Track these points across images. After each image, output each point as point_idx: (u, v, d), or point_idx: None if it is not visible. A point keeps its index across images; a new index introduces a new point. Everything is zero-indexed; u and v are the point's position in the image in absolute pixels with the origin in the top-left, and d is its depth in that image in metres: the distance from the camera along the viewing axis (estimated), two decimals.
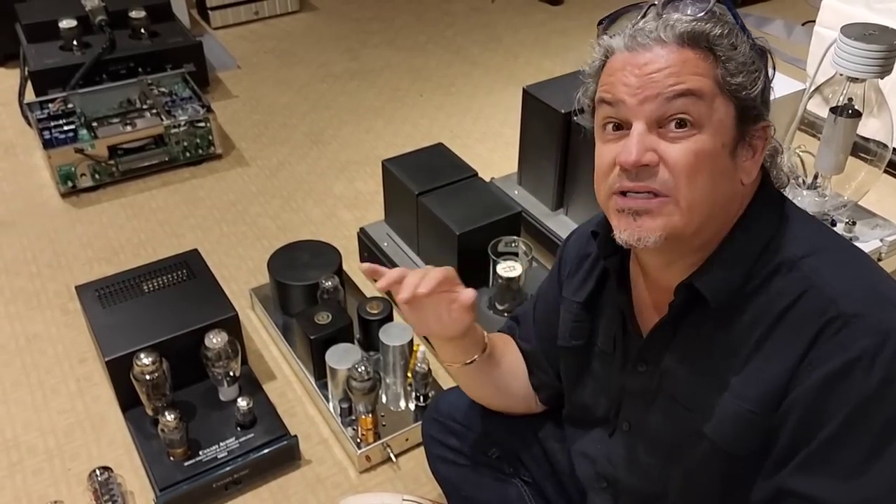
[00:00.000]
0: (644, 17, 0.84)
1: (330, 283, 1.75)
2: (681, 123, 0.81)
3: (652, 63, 0.81)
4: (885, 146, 1.86)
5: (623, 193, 0.84)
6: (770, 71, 0.86)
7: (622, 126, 0.84)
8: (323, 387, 1.66)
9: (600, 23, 0.87)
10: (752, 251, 0.86)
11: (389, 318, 1.71)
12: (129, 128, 2.39)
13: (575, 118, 1.89)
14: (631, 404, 1.00)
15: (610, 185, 0.85)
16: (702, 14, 0.81)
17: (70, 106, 2.44)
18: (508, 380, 1.17)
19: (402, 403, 1.64)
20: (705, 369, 0.89)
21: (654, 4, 0.83)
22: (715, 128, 0.81)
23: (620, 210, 0.85)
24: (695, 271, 0.88)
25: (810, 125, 1.89)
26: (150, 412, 1.56)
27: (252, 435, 1.55)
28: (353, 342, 1.67)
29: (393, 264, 1.91)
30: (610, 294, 1.01)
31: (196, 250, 1.84)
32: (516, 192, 2.16)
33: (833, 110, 1.80)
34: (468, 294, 0.99)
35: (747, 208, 0.88)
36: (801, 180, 1.89)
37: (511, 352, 1.18)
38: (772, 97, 0.87)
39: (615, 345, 1.01)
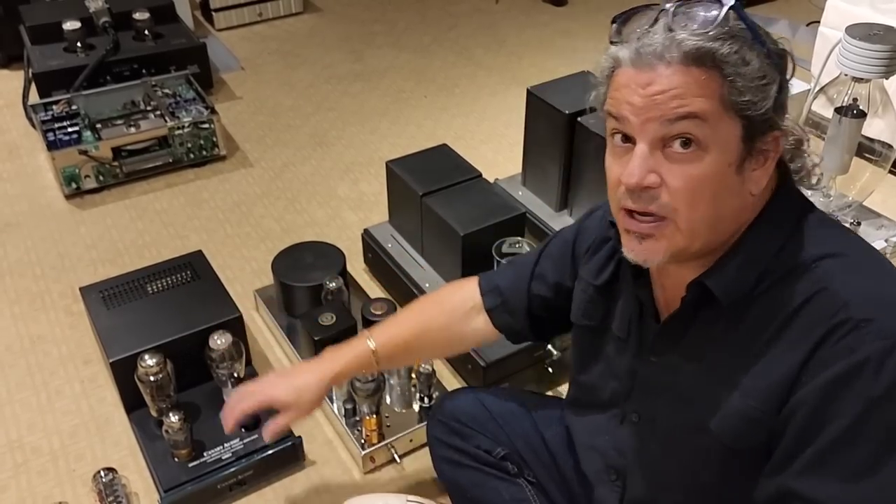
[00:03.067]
0: (654, 24, 0.81)
1: (334, 284, 1.75)
2: (685, 143, 0.80)
3: (655, 83, 0.80)
4: (890, 146, 1.85)
5: (630, 213, 0.86)
6: (788, 75, 0.84)
7: (629, 139, 0.84)
8: None
9: (614, 21, 0.86)
10: (766, 251, 0.86)
11: None
12: (132, 129, 2.39)
13: (580, 119, 1.89)
14: (640, 394, 1.00)
15: (618, 200, 0.87)
16: (712, 28, 0.79)
17: (74, 107, 2.45)
18: (438, 349, 1.31)
19: (407, 404, 1.64)
20: (713, 366, 0.90)
21: (665, 9, 0.81)
22: (720, 147, 0.81)
23: (627, 231, 0.87)
24: (707, 270, 0.88)
25: (815, 125, 1.89)
26: (154, 413, 1.56)
27: (256, 436, 1.55)
28: None
29: (397, 265, 1.91)
30: (627, 282, 1.02)
31: (200, 251, 1.84)
32: (520, 192, 2.16)
33: (838, 110, 1.79)
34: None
35: (764, 208, 0.88)
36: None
37: (436, 319, 1.26)
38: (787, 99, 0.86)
39: (629, 330, 1.01)
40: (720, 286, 0.87)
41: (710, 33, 0.79)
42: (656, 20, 0.82)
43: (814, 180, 0.93)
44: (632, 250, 0.88)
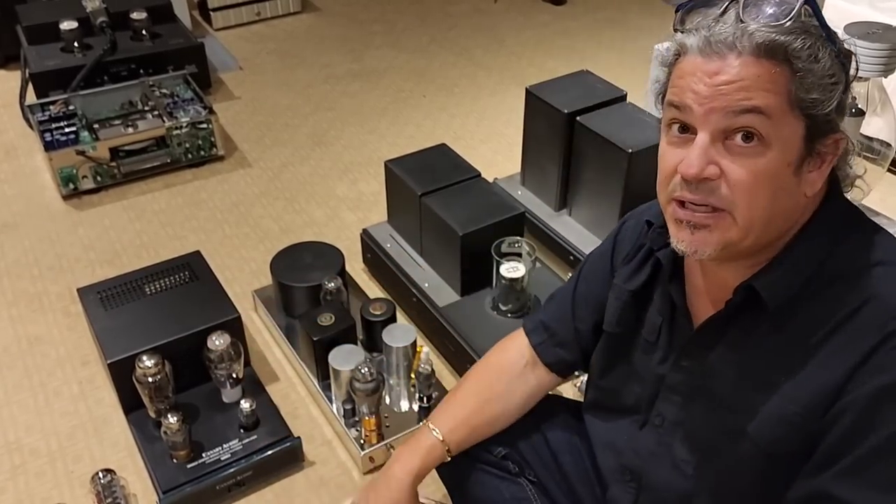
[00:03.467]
0: (724, 14, 0.79)
1: (333, 284, 1.75)
2: (747, 137, 0.79)
3: (723, 73, 0.78)
4: (889, 145, 1.85)
5: (682, 203, 0.84)
6: (852, 75, 0.82)
7: (687, 129, 0.82)
8: (326, 388, 1.66)
9: (678, 9, 0.84)
10: (815, 256, 0.85)
11: (393, 320, 1.71)
12: (130, 129, 2.39)
13: (579, 118, 1.89)
14: (668, 398, 0.99)
15: (670, 191, 0.85)
16: (787, 20, 0.77)
17: (71, 108, 2.44)
18: (504, 417, 1.19)
19: (406, 404, 1.64)
20: (754, 371, 0.88)
21: (735, 1, 0.79)
22: (781, 145, 0.79)
23: (679, 220, 0.85)
24: (756, 273, 0.87)
25: None
26: (152, 414, 1.56)
27: (255, 437, 1.55)
28: (356, 343, 1.67)
29: (396, 265, 1.91)
30: (662, 285, 1.00)
31: (198, 252, 1.84)
32: (519, 192, 2.16)
33: None
34: None
35: (815, 214, 0.86)
36: None
37: (493, 387, 1.19)
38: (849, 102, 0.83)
39: (659, 335, 1.00)
40: (768, 289, 0.85)
41: (786, 25, 0.76)
42: (726, 10, 0.79)
43: (858, 195, 0.91)
44: (682, 241, 0.85)
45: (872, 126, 1.84)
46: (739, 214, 0.81)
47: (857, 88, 1.78)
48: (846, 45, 0.81)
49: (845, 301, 0.82)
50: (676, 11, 0.84)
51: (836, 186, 0.88)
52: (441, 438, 1.16)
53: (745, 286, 0.87)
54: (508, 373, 1.19)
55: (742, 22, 0.77)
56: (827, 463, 0.82)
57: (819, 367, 0.83)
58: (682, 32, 0.82)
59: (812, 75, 0.77)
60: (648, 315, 1.02)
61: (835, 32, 0.80)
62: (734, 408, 0.90)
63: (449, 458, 1.18)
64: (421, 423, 1.21)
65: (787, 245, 0.86)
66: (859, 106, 1.78)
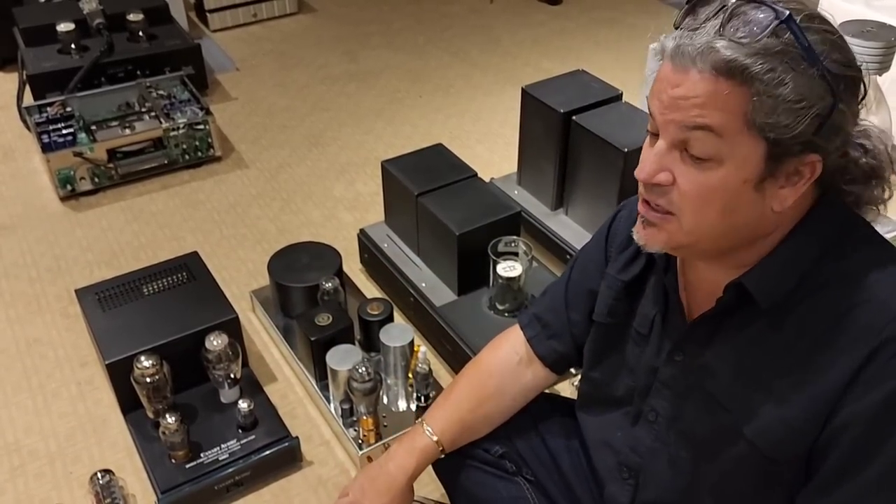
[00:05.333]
0: (707, 21, 0.78)
1: (330, 284, 1.75)
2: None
3: (682, 86, 0.78)
4: None
5: (646, 201, 0.87)
6: (852, 96, 0.80)
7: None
8: (324, 388, 1.66)
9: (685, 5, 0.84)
10: (808, 256, 0.85)
11: (390, 319, 1.71)
12: (127, 131, 2.39)
13: (575, 118, 1.89)
14: (661, 392, 0.99)
15: (640, 188, 0.88)
16: (755, 39, 0.74)
17: (69, 109, 2.44)
18: (498, 416, 1.20)
19: (404, 404, 1.64)
20: (749, 371, 0.89)
21: (726, 6, 0.77)
22: (737, 162, 0.79)
23: (639, 213, 0.89)
24: (747, 272, 0.87)
25: None
26: (151, 415, 1.56)
27: (253, 437, 1.55)
28: (353, 343, 1.67)
29: (393, 265, 1.91)
30: (656, 277, 1.01)
31: (196, 253, 1.84)
32: (516, 192, 2.16)
33: None
34: None
35: (808, 213, 0.86)
36: None
37: (487, 386, 1.20)
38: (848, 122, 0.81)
39: (651, 328, 1.01)
40: (759, 288, 0.86)
41: (754, 45, 0.74)
42: (713, 17, 0.78)
43: (877, 218, 0.89)
44: (636, 232, 0.90)
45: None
46: (685, 221, 0.84)
47: None
48: (842, 67, 0.78)
49: (841, 303, 0.82)
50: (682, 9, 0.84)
51: (827, 192, 0.87)
52: (435, 439, 1.17)
53: (734, 284, 0.88)
54: (501, 371, 1.20)
55: (720, 34, 0.76)
56: (829, 485, 0.83)
57: (817, 372, 0.83)
58: (663, 37, 0.83)
59: (773, 99, 0.75)
60: (640, 307, 1.03)
61: (836, 50, 0.77)
62: (730, 408, 0.90)
63: (443, 456, 1.19)
64: (416, 423, 1.22)
65: (779, 243, 0.86)
66: None
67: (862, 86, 0.82)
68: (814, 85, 0.75)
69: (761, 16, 0.75)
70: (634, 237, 0.90)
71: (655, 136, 0.84)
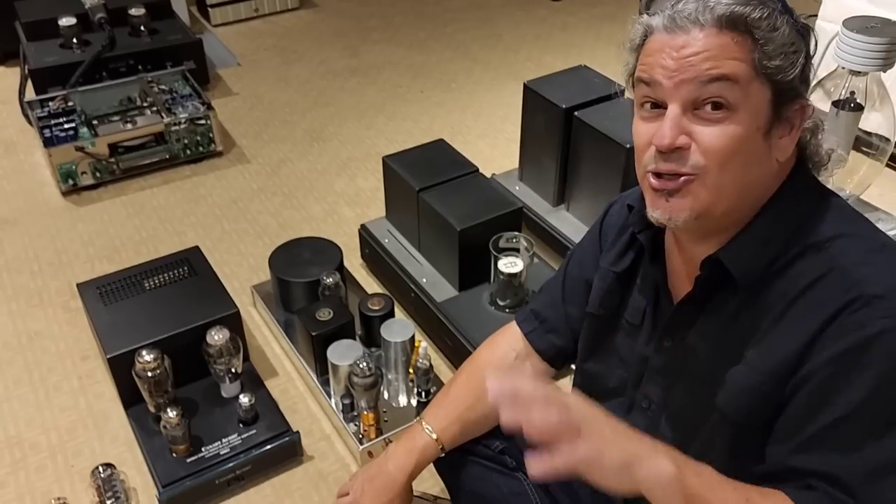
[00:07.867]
0: None
1: (331, 279, 1.75)
2: (716, 106, 0.82)
3: (689, 46, 0.81)
4: (888, 140, 1.85)
5: (657, 175, 0.86)
6: (811, 48, 0.86)
7: (659, 105, 0.85)
8: (325, 383, 1.66)
9: None
10: (781, 230, 0.87)
11: (391, 315, 1.71)
12: (129, 126, 2.39)
13: (577, 113, 1.89)
14: (653, 381, 1.00)
15: (645, 164, 0.88)
16: None
17: (70, 104, 2.44)
18: (493, 417, 1.15)
19: (404, 399, 1.64)
20: (726, 346, 0.90)
21: None
22: (750, 111, 0.82)
23: (655, 190, 0.88)
24: (722, 247, 0.89)
25: None
26: (152, 409, 1.56)
27: (254, 431, 1.55)
28: (354, 338, 1.67)
29: (394, 260, 1.91)
30: (645, 267, 1.02)
31: (197, 247, 1.84)
32: (517, 187, 2.16)
33: (835, 104, 1.79)
34: None
35: (780, 188, 0.89)
36: None
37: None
38: (812, 75, 0.87)
39: (643, 318, 1.02)
40: (734, 262, 0.88)
41: None
42: None
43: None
44: (658, 208, 0.88)
45: (871, 121, 1.84)
46: (710, 179, 0.84)
47: (856, 83, 1.78)
48: (800, 18, 0.85)
49: (809, 272, 0.84)
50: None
51: (803, 161, 0.91)
52: (435, 437, 1.17)
53: (710, 259, 0.90)
54: (498, 368, 1.20)
55: None
56: (790, 434, 0.84)
57: (783, 336, 0.85)
58: (647, 15, 0.86)
59: (772, 43, 0.81)
60: (631, 297, 1.04)
61: (791, 10, 0.84)
62: (708, 383, 0.92)
63: (443, 455, 1.19)
64: (415, 420, 1.22)
65: (753, 218, 0.89)
66: (858, 101, 1.78)
67: (813, 41, 0.87)
68: (793, 31, 0.83)
69: None
70: (654, 215, 0.88)
71: (657, 107, 0.85)
